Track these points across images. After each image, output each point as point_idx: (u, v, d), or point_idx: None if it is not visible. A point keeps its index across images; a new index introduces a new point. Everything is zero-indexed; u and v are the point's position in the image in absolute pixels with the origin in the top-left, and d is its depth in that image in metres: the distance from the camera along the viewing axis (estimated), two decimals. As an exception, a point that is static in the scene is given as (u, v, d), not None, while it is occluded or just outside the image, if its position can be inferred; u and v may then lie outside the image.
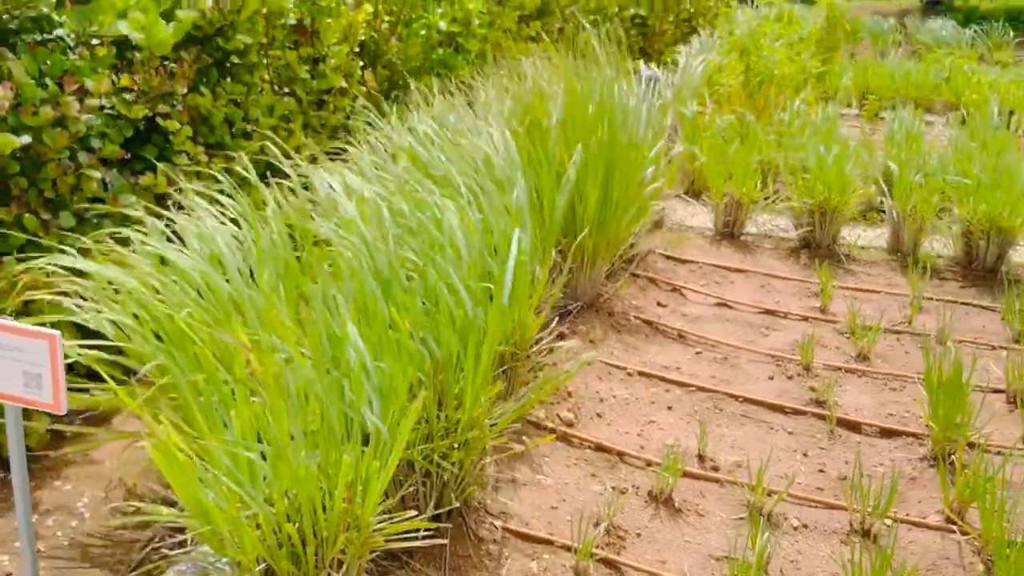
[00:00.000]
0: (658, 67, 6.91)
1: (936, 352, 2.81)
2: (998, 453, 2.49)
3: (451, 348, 2.01)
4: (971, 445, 2.51)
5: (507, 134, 2.98)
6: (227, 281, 2.08)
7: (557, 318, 3.03)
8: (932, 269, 4.07)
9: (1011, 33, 12.31)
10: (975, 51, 11.60)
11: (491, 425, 2.12)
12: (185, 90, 2.89)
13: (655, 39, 8.46)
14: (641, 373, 3.08)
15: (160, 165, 2.74)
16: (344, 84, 3.80)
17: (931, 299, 3.73)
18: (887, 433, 2.76)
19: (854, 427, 2.78)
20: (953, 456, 2.51)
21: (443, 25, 4.63)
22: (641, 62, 5.79)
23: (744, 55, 5.35)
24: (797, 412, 2.86)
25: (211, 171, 2.79)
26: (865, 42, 11.99)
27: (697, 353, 3.28)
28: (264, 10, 3.30)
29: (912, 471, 2.53)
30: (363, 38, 4.02)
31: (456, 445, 2.01)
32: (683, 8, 9.46)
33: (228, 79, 3.22)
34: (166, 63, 2.86)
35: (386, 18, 4.18)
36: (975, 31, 12.23)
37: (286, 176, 2.57)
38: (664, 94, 5.86)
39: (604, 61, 3.70)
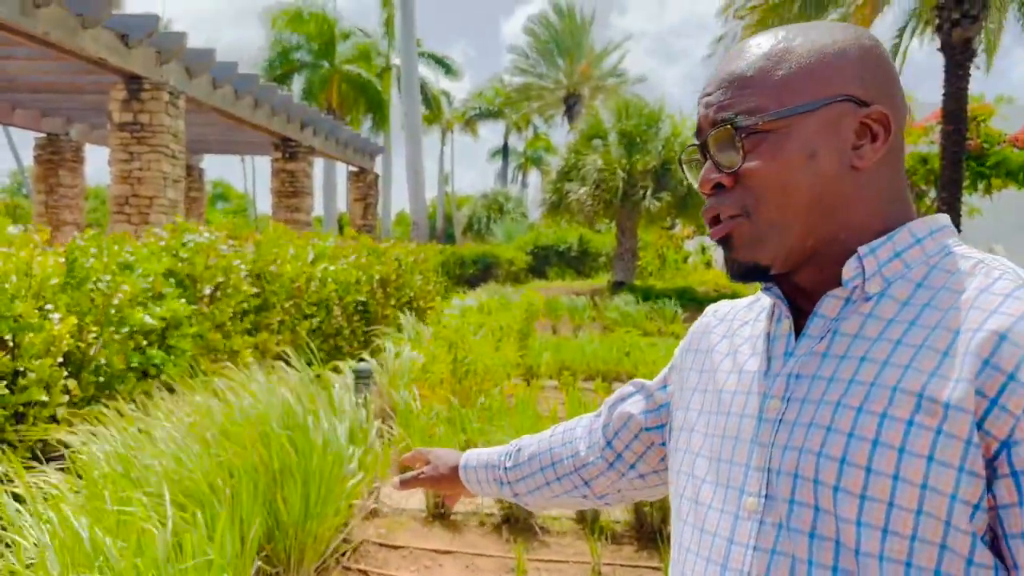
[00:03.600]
0: (377, 353, 7.48)
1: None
2: None
3: None
4: None
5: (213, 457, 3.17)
6: None
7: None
8: (612, 535, 4.63)
9: (680, 309, 14.79)
10: (654, 324, 13.72)
11: None
12: None
13: (378, 322, 9.16)
14: (347, 675, 3.15)
15: None
16: (45, 396, 3.80)
17: (610, 564, 4.23)
18: None
19: None
20: None
21: (151, 321, 4.79)
22: (357, 359, 6.28)
23: (453, 348, 6.05)
24: None
25: None
26: (564, 318, 13.75)
27: (403, 645, 3.43)
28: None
29: None
30: (68, 347, 4.09)
31: None
32: (404, 292, 10.42)
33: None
34: None
35: (93, 328, 4.29)
36: (652, 307, 14.55)
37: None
38: (380, 381, 6.37)
39: (309, 367, 4.07)
